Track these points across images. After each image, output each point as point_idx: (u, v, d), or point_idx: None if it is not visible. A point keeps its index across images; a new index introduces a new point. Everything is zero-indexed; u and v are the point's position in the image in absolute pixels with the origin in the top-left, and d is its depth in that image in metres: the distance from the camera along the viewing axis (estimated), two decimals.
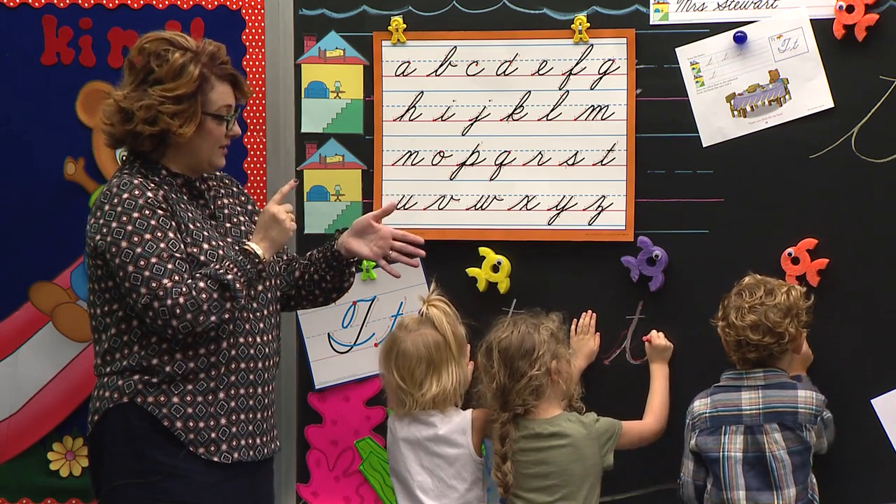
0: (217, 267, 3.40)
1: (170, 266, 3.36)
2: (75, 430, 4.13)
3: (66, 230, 4.05)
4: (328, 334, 4.04)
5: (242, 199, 3.69)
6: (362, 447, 4.06)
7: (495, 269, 3.96)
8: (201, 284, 3.36)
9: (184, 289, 3.35)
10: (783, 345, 3.62)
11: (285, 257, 3.75)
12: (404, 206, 4.00)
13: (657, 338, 3.86)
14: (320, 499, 4.08)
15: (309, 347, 4.06)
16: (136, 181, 3.43)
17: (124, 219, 3.38)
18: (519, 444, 3.59)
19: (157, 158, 3.50)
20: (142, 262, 3.35)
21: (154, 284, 3.34)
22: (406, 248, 3.74)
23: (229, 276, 3.38)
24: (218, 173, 3.65)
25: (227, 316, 3.40)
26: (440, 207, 3.99)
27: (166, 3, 4.06)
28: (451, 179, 3.99)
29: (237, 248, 3.46)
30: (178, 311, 3.34)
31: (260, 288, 3.54)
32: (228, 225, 3.58)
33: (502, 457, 3.58)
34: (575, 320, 3.88)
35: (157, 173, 3.49)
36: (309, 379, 4.06)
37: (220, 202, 3.61)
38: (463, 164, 3.99)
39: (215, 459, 3.44)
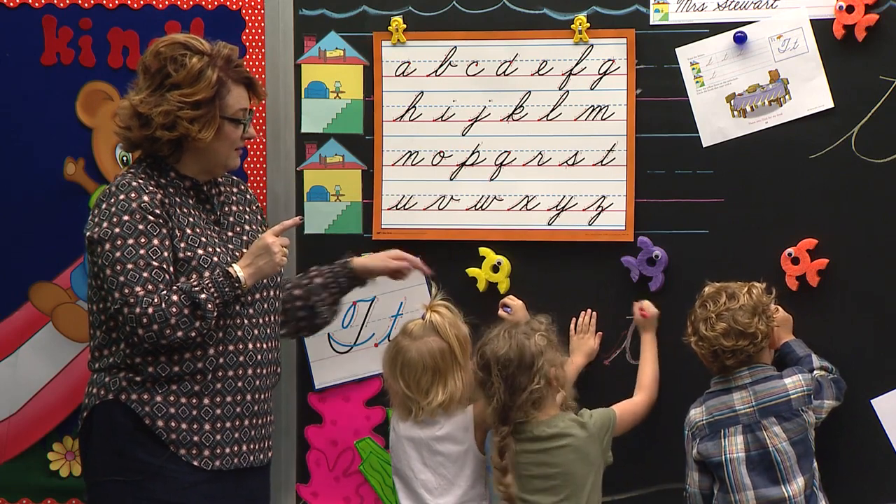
0: (194, 283, 3.37)
1: (145, 274, 3.34)
2: (75, 431, 4.12)
3: (66, 230, 4.05)
4: (328, 334, 4.04)
5: (254, 207, 3.69)
6: (362, 447, 4.05)
7: (495, 269, 3.96)
8: (174, 298, 3.34)
9: (155, 299, 3.33)
10: (758, 344, 3.62)
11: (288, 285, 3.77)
12: (404, 206, 4.00)
13: (650, 306, 3.85)
14: (320, 499, 4.08)
15: (309, 347, 4.05)
16: (134, 183, 3.43)
17: (114, 220, 3.38)
18: (519, 446, 3.58)
19: (173, 162, 3.50)
20: (118, 267, 3.35)
21: (126, 291, 3.33)
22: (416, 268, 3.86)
23: (203, 296, 3.36)
24: (234, 178, 3.66)
25: (193, 334, 3.37)
26: (440, 207, 3.99)
27: (166, 3, 4.05)
28: (451, 179, 3.99)
29: (220, 269, 3.43)
30: (144, 320, 3.32)
31: (258, 296, 3.53)
32: (231, 233, 3.57)
33: (502, 470, 3.54)
34: (574, 319, 3.88)
35: (166, 175, 3.49)
36: (309, 379, 4.06)
37: (227, 209, 3.60)
38: (463, 164, 3.98)
39: (195, 464, 3.44)
